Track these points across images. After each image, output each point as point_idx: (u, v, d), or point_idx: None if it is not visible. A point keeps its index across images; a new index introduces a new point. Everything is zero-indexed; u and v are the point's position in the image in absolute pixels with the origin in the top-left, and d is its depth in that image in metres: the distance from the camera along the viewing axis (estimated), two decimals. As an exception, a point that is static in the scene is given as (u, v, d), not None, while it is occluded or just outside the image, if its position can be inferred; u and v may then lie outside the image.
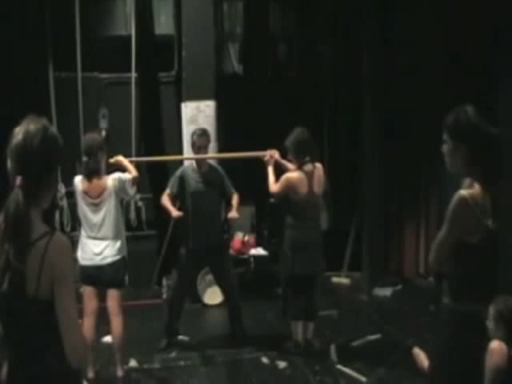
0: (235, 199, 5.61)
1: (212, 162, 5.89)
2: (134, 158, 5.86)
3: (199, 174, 5.56)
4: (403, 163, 7.75)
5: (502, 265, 6.39)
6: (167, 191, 5.56)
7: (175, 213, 5.40)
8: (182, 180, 5.55)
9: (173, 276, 5.73)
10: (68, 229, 7.08)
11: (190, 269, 5.69)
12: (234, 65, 8.70)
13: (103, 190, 4.69)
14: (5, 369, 2.23)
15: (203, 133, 5.60)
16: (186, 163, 6.00)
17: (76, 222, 5.08)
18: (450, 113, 3.02)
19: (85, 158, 4.69)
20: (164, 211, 5.57)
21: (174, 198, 5.57)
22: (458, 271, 2.98)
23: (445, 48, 7.02)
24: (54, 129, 2.25)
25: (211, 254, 5.56)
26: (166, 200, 5.51)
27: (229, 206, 5.67)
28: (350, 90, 8.09)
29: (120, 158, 5.01)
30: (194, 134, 5.64)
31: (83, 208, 4.74)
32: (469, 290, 2.99)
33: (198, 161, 5.60)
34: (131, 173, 4.86)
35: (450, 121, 3.01)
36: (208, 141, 5.58)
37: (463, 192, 2.87)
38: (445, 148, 3.02)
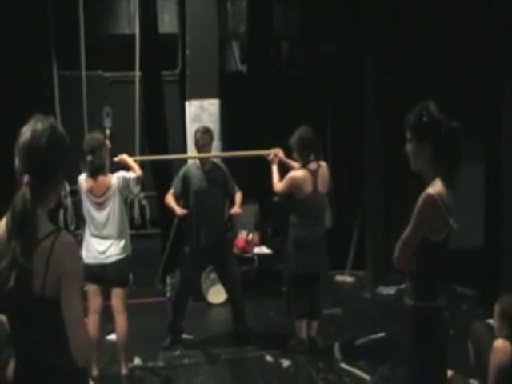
0: (238, 196, 5.62)
1: (216, 160, 5.90)
2: (138, 157, 5.87)
3: (202, 171, 5.57)
4: (406, 162, 7.74)
5: (505, 264, 6.42)
6: (171, 191, 5.57)
7: (179, 210, 5.41)
8: (186, 179, 5.56)
9: (176, 274, 5.73)
10: (72, 227, 7.09)
11: (194, 267, 5.69)
12: (238, 63, 8.70)
13: (107, 188, 4.71)
14: (12, 366, 2.24)
15: (206, 131, 5.61)
16: (190, 161, 6.01)
17: (80, 221, 5.08)
18: (411, 111, 2.99)
19: (89, 157, 4.71)
20: (168, 210, 5.57)
21: (178, 198, 5.58)
22: (422, 270, 2.97)
23: (447, 47, 7.01)
24: (61, 128, 2.26)
25: (214, 253, 5.57)
26: (170, 199, 5.52)
27: (232, 204, 5.68)
28: (352, 89, 8.07)
29: (124, 156, 5.03)
30: (197, 131, 5.65)
31: (88, 206, 4.76)
32: (431, 288, 2.99)
33: (201, 159, 5.61)
34: (135, 171, 4.87)
35: (413, 119, 2.97)
36: (211, 139, 5.59)
37: (431, 191, 2.85)
38: (408, 147, 2.99)
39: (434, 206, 2.83)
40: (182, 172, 5.62)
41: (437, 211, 2.83)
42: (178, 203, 5.54)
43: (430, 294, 2.97)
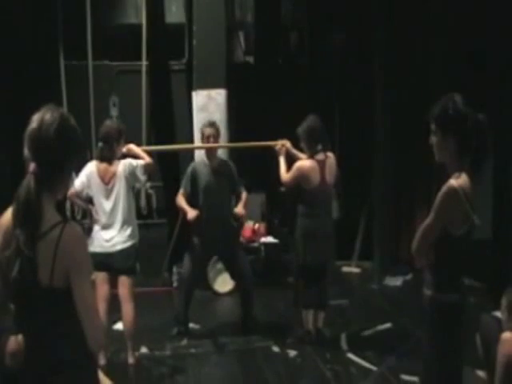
0: (244, 196, 5.66)
1: (223, 156, 5.88)
2: (144, 147, 5.85)
3: (210, 167, 5.58)
4: (415, 151, 7.70)
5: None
6: (181, 191, 5.59)
7: (191, 214, 5.39)
8: (194, 176, 5.58)
9: (184, 264, 5.73)
10: (79, 216, 7.10)
11: (202, 258, 5.72)
12: (245, 53, 8.66)
13: (113, 174, 4.71)
14: (13, 341, 2.21)
15: (212, 123, 5.64)
16: (197, 159, 6.04)
17: (87, 210, 5.08)
18: (437, 103, 2.95)
19: (100, 144, 4.75)
20: (180, 210, 5.58)
21: (189, 197, 5.58)
22: (441, 262, 2.95)
23: (459, 36, 6.96)
24: (72, 120, 2.24)
25: (223, 244, 5.58)
26: (181, 200, 5.54)
27: (238, 199, 5.69)
28: (361, 78, 8.03)
29: (132, 146, 5.00)
30: (202, 125, 5.72)
31: (96, 193, 4.76)
32: (450, 280, 2.97)
33: (208, 154, 5.62)
34: (145, 159, 4.86)
35: (438, 111, 2.93)
36: (217, 131, 5.60)
37: (454, 183, 2.82)
38: (433, 139, 2.96)
39: (456, 199, 2.80)
40: (189, 170, 5.63)
41: (458, 204, 2.80)
42: (188, 202, 5.54)
43: (449, 287, 2.96)
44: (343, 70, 8.36)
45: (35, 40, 7.27)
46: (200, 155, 6.03)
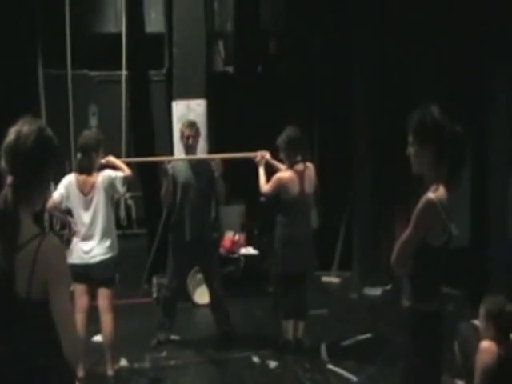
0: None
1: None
2: (124, 159, 5.83)
3: (189, 164, 5.57)
4: (394, 161, 7.75)
5: (490, 265, 6.44)
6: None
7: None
8: (173, 171, 5.53)
9: (167, 269, 5.69)
10: (57, 228, 7.04)
11: (181, 266, 5.70)
12: (224, 63, 8.67)
13: (92, 186, 4.69)
14: None
15: (192, 123, 5.64)
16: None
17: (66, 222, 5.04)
18: (414, 113, 2.97)
19: (79, 155, 4.71)
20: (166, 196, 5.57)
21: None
22: (419, 273, 2.97)
23: (443, 37, 6.98)
24: (49, 131, 2.24)
25: (200, 251, 5.56)
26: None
27: (218, 204, 5.68)
28: (340, 88, 8.07)
29: (111, 158, 4.97)
30: (182, 124, 5.69)
31: (75, 205, 4.73)
32: (429, 290, 3.00)
33: (188, 153, 5.61)
34: (124, 171, 4.84)
35: (416, 122, 2.95)
36: (197, 132, 5.61)
37: (432, 196, 2.84)
38: (410, 150, 2.97)
39: (434, 210, 2.82)
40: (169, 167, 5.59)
41: (436, 216, 2.83)
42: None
43: (428, 296, 2.98)
44: (322, 79, 8.39)
45: (13, 49, 7.22)
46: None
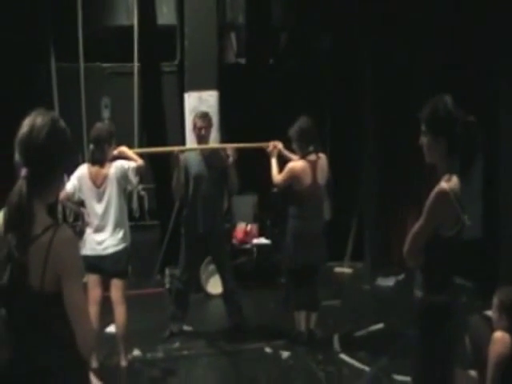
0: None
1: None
2: (136, 149, 5.85)
3: (202, 156, 5.58)
4: (406, 152, 7.72)
5: (503, 256, 6.41)
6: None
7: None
8: (186, 163, 5.55)
9: (180, 261, 5.71)
10: (71, 219, 7.07)
11: (194, 256, 5.72)
12: (236, 54, 8.67)
13: (105, 177, 4.71)
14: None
15: (205, 114, 5.64)
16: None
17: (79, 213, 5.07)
18: (427, 103, 2.95)
19: (91, 146, 4.74)
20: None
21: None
22: (432, 264, 2.96)
23: (447, 33, 6.95)
24: (62, 123, 2.24)
25: (212, 242, 5.59)
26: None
27: (231, 196, 5.69)
28: (350, 79, 8.04)
29: (123, 148, 4.99)
30: (195, 116, 5.69)
31: (88, 196, 4.75)
32: (442, 282, 2.98)
33: (200, 145, 5.62)
34: (136, 162, 4.85)
35: (428, 112, 2.93)
36: (209, 123, 5.61)
37: (445, 185, 2.82)
38: (423, 140, 2.96)
39: (447, 201, 2.81)
40: (182, 159, 5.61)
41: (449, 207, 2.81)
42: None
43: (440, 288, 2.97)
44: (334, 71, 8.36)
45: (26, 42, 7.24)
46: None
